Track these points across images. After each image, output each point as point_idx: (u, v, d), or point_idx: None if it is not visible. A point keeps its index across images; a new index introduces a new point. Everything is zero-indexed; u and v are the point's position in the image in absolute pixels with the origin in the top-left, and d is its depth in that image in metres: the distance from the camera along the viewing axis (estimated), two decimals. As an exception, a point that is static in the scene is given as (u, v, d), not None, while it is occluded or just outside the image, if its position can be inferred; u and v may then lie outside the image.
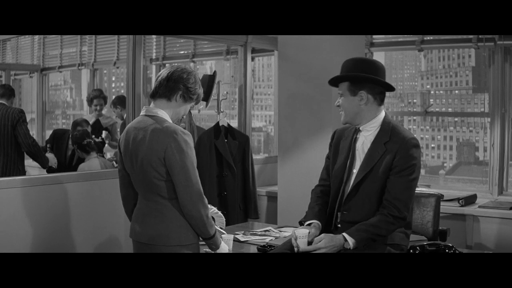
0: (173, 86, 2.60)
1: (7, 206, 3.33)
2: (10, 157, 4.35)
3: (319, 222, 2.71)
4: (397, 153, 2.60)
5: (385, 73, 2.72)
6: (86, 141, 4.69)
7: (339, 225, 2.70)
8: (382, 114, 2.71)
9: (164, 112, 2.60)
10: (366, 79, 2.64)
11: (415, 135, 2.72)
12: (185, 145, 2.51)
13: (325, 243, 2.54)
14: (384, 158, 2.61)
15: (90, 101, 5.66)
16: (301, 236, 2.57)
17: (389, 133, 2.65)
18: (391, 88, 2.70)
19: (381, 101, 2.70)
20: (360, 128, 2.72)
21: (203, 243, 2.69)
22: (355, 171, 2.69)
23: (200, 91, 2.69)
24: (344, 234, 2.55)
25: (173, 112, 2.64)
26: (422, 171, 5.38)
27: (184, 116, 2.87)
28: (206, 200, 2.56)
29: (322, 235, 2.59)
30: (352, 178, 2.69)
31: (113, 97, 6.07)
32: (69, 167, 4.87)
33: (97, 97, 5.62)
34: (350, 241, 2.54)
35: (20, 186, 3.42)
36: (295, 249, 2.59)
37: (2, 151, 4.33)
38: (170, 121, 2.60)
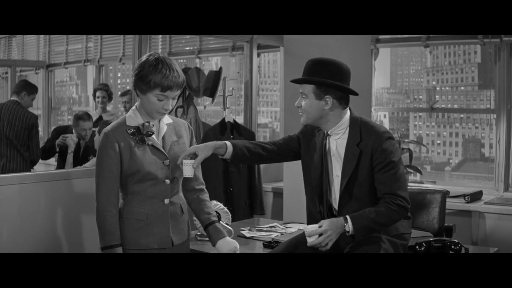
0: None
1: (15, 203, 3.34)
2: (11, 157, 4.41)
3: (228, 143, 2.77)
4: (372, 152, 2.54)
5: (350, 76, 2.62)
6: None
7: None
8: (348, 114, 2.65)
9: (134, 109, 2.53)
10: (333, 86, 2.57)
11: (387, 128, 2.65)
12: (100, 143, 2.46)
13: (327, 224, 2.48)
14: (362, 159, 2.56)
15: (94, 93, 5.68)
16: (187, 163, 2.51)
17: (359, 132, 2.59)
18: (355, 94, 2.62)
19: (345, 105, 2.63)
20: (329, 133, 2.65)
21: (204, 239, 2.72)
22: (337, 176, 2.63)
23: (154, 76, 2.39)
24: (347, 216, 2.50)
25: (143, 106, 2.50)
26: (428, 168, 5.37)
27: (170, 109, 2.51)
28: (102, 204, 2.46)
29: (322, 220, 2.54)
30: (336, 184, 2.63)
31: (119, 93, 6.06)
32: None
33: (101, 89, 5.62)
34: (350, 225, 2.48)
35: (28, 182, 3.43)
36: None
37: (5, 150, 4.39)
38: (128, 120, 2.49)
